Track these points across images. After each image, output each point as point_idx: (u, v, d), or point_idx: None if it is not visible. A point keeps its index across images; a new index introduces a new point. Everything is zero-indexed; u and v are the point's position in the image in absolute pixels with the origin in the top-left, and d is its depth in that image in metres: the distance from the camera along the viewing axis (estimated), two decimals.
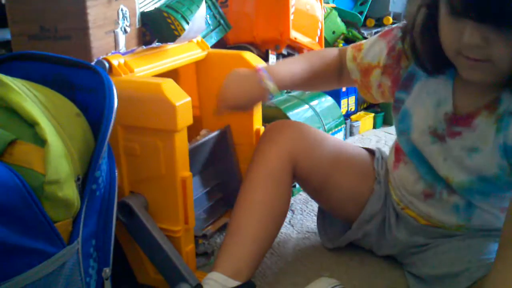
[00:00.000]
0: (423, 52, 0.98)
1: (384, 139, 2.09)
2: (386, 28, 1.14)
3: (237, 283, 1.02)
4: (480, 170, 0.98)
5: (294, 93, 1.76)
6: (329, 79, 1.21)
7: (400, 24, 1.09)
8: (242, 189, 1.14)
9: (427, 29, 0.95)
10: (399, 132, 1.11)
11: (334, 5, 2.28)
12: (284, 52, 1.81)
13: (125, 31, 1.30)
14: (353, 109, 2.10)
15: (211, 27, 1.57)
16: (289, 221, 1.46)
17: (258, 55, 1.36)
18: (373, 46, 1.13)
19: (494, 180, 0.98)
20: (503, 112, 0.94)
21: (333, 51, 1.20)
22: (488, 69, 0.88)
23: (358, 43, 1.16)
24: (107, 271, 0.92)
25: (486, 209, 1.04)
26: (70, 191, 0.80)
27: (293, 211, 1.51)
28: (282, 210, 1.15)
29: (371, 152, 1.26)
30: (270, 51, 1.77)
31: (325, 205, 1.30)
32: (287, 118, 1.56)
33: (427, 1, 0.94)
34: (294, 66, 1.14)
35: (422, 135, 1.05)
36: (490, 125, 0.95)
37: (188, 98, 1.03)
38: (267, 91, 1.08)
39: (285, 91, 1.76)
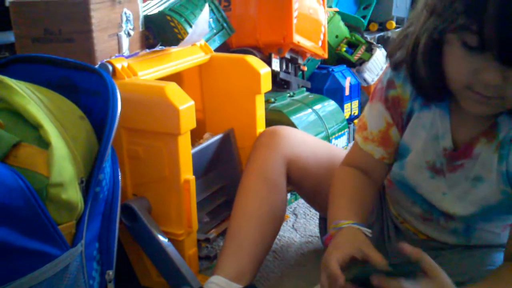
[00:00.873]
0: (425, 79, 0.89)
1: None
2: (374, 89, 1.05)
3: (239, 286, 1.02)
4: (485, 200, 0.95)
5: (297, 97, 1.76)
6: (375, 191, 1.09)
7: (382, 76, 1.02)
8: (238, 194, 1.15)
9: (429, 56, 0.87)
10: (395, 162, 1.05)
11: (337, 9, 2.28)
12: (287, 56, 1.81)
13: (129, 35, 1.30)
14: (356, 113, 2.10)
15: (214, 31, 1.57)
16: (292, 225, 1.46)
17: (261, 59, 1.36)
18: (372, 114, 1.03)
19: (498, 206, 0.96)
20: (503, 139, 0.90)
21: (350, 174, 1.06)
22: (496, 105, 0.84)
23: (359, 124, 1.06)
24: (110, 273, 0.92)
25: (486, 229, 1.02)
26: (73, 194, 0.80)
27: (296, 215, 1.51)
28: (279, 212, 1.15)
29: None
30: (273, 55, 1.77)
31: (319, 209, 1.29)
32: (291, 122, 1.56)
33: (431, 29, 0.84)
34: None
35: (419, 170, 0.99)
36: (491, 153, 0.92)
37: (192, 102, 1.03)
38: None
39: (288, 94, 1.76)
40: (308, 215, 1.51)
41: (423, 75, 0.89)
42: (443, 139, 0.96)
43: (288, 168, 1.17)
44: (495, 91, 0.80)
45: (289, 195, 1.52)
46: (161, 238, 1.06)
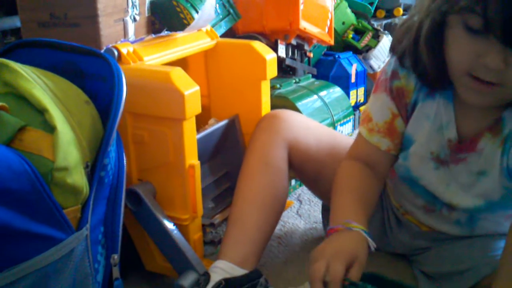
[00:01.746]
0: (428, 65, 0.89)
1: None
2: (378, 78, 1.05)
3: (243, 271, 1.03)
4: (488, 194, 0.96)
5: (303, 83, 1.75)
6: (380, 188, 1.09)
7: (386, 67, 1.02)
8: (240, 178, 1.14)
9: (431, 41, 0.86)
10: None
11: None
12: (294, 42, 1.81)
13: (135, 20, 1.30)
14: (362, 100, 2.09)
15: (221, 16, 1.57)
16: (297, 212, 1.46)
17: (267, 45, 1.35)
18: (376, 106, 1.03)
19: (501, 200, 0.96)
20: (508, 134, 0.90)
21: (356, 169, 1.05)
22: (494, 94, 0.83)
23: (363, 116, 1.05)
24: (115, 257, 0.93)
25: (489, 220, 1.03)
26: (79, 178, 0.80)
27: (300, 202, 1.52)
28: (281, 196, 1.15)
29: None
30: (279, 41, 1.76)
31: (320, 195, 1.29)
32: (296, 108, 1.55)
33: (434, 12, 0.84)
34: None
35: (422, 160, 0.99)
36: (495, 148, 0.92)
37: (197, 87, 1.03)
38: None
39: (294, 80, 1.75)
40: (312, 201, 1.51)
41: (425, 61, 0.89)
42: (447, 130, 0.96)
43: (289, 152, 1.16)
44: (496, 76, 0.79)
45: (293, 181, 1.53)
46: (167, 222, 1.06)
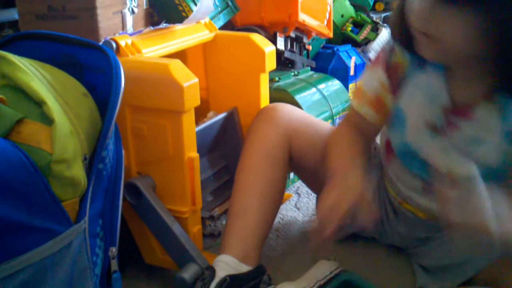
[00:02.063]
0: (403, 29, 0.91)
1: None
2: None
3: (247, 267, 1.03)
4: (485, 162, 0.95)
5: (302, 76, 1.75)
6: (369, 147, 1.15)
7: (386, 45, 1.04)
8: (239, 170, 1.14)
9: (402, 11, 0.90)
10: (393, 133, 1.07)
11: None
12: (292, 34, 1.80)
13: (133, 12, 1.30)
14: None
15: (219, 9, 1.56)
16: (295, 204, 1.46)
17: (266, 37, 1.35)
18: (370, 78, 1.06)
19: (502, 169, 0.96)
20: (504, 100, 0.91)
21: (348, 131, 1.10)
22: (437, 49, 0.85)
23: (354, 91, 1.10)
24: (113, 250, 0.92)
25: None
26: (77, 170, 0.80)
27: (299, 194, 1.51)
28: (280, 188, 1.15)
29: None
30: (278, 34, 1.76)
31: (318, 189, 1.29)
32: (295, 101, 1.55)
33: None
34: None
35: (419, 132, 1.01)
36: (493, 115, 0.92)
37: (196, 79, 1.02)
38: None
39: (292, 73, 1.75)
40: (311, 194, 1.51)
41: (403, 26, 0.91)
42: (441, 98, 0.97)
43: (290, 142, 1.16)
44: (423, 25, 0.82)
45: (291, 174, 1.52)
46: (166, 215, 1.06)
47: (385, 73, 1.02)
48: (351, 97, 1.09)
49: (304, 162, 1.20)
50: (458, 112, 0.96)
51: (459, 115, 0.96)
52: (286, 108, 1.21)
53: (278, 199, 1.15)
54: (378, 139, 1.21)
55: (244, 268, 1.03)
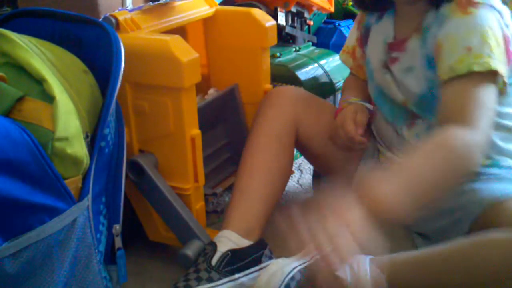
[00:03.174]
0: None
1: None
2: None
3: (249, 242, 1.03)
4: (416, 90, 1.05)
5: (303, 52, 1.73)
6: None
7: None
8: (246, 150, 1.15)
9: None
10: (369, 82, 1.19)
11: None
12: (293, 9, 1.78)
13: None
14: None
15: None
16: (298, 181, 1.46)
17: (267, 12, 1.34)
18: (351, 32, 1.28)
19: (429, 97, 1.03)
20: (425, 28, 1.02)
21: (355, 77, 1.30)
22: None
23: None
24: (117, 227, 0.93)
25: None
26: (79, 148, 0.80)
27: (301, 171, 1.51)
28: (287, 169, 1.18)
29: None
30: (279, 9, 1.74)
31: (324, 170, 1.30)
32: (296, 76, 1.54)
33: None
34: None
35: (377, 71, 1.13)
36: (418, 43, 1.04)
37: (196, 55, 1.02)
38: None
39: (294, 49, 1.74)
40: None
41: None
42: (388, 37, 1.11)
43: (297, 126, 1.19)
44: None
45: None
46: (169, 192, 1.06)
47: (356, 25, 1.23)
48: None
49: (311, 144, 1.22)
50: (395, 46, 1.09)
51: (396, 49, 1.08)
52: (292, 92, 1.23)
53: (284, 178, 1.18)
54: None
55: (246, 243, 1.03)
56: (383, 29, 1.13)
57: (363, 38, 1.20)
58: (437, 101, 0.99)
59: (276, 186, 1.14)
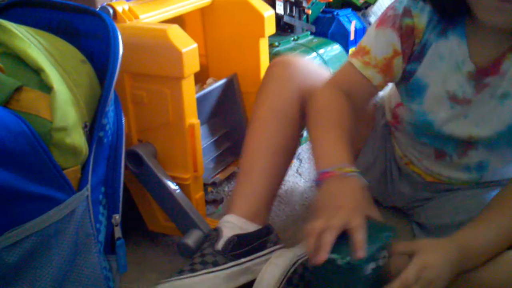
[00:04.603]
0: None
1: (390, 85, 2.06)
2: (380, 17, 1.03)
3: (254, 225, 1.00)
4: (510, 118, 0.95)
5: (302, 41, 1.73)
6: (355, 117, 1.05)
7: (396, 4, 0.99)
8: (250, 127, 1.09)
9: None
10: (409, 103, 1.04)
11: None
12: None
13: None
14: None
15: None
16: (297, 170, 1.46)
17: (265, 1, 1.33)
18: (378, 40, 1.00)
19: None
20: None
21: (337, 100, 1.02)
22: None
23: (356, 49, 1.04)
24: (116, 217, 0.93)
25: (499, 160, 1.03)
26: (77, 138, 0.80)
27: (300, 160, 1.51)
28: (291, 145, 1.10)
29: None
30: None
31: None
32: None
33: None
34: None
35: (438, 101, 0.99)
36: None
37: (195, 44, 1.01)
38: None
39: (292, 38, 1.73)
40: (312, 160, 1.50)
41: None
42: (464, 65, 0.95)
43: (304, 99, 1.07)
44: None
45: (305, 133, 1.50)
46: (168, 182, 1.06)
47: (396, 33, 0.98)
48: (351, 57, 1.04)
49: None
50: (487, 71, 0.94)
51: (487, 74, 0.94)
52: (299, 62, 1.13)
53: (288, 156, 1.10)
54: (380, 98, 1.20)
55: (251, 227, 0.99)
56: (452, 52, 0.96)
57: (414, 55, 1.00)
58: None
59: (280, 164, 1.07)
